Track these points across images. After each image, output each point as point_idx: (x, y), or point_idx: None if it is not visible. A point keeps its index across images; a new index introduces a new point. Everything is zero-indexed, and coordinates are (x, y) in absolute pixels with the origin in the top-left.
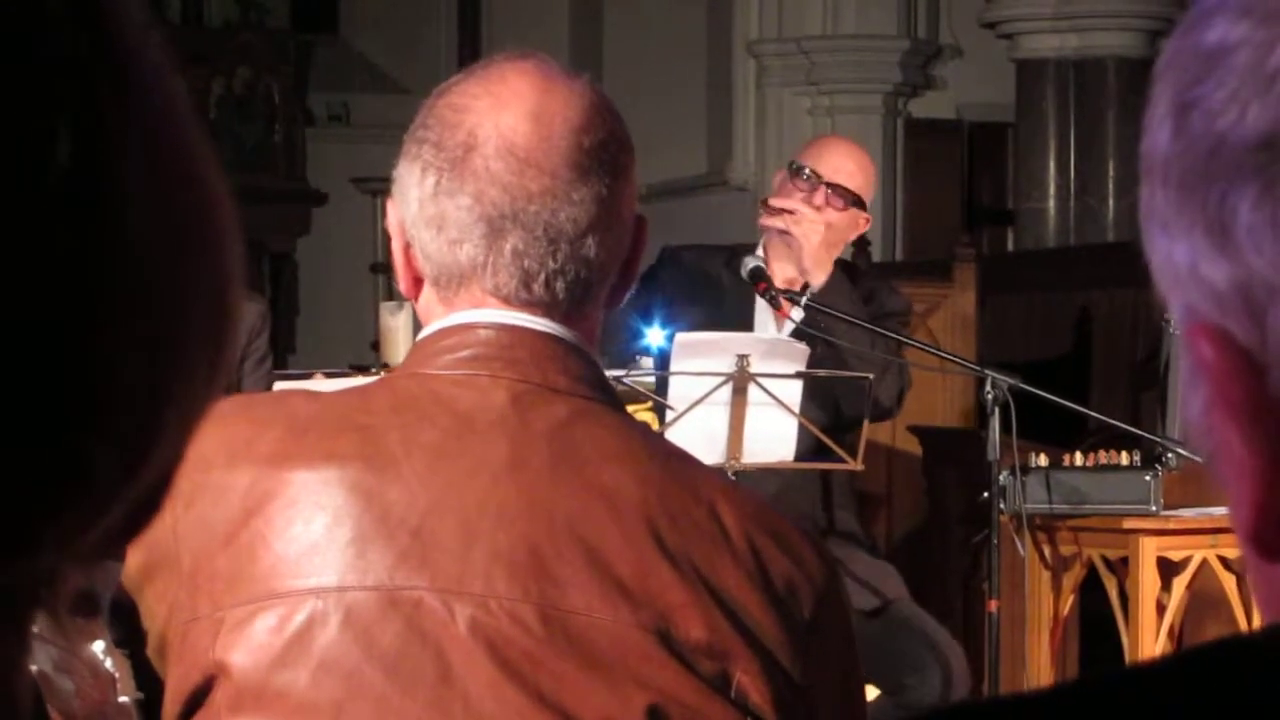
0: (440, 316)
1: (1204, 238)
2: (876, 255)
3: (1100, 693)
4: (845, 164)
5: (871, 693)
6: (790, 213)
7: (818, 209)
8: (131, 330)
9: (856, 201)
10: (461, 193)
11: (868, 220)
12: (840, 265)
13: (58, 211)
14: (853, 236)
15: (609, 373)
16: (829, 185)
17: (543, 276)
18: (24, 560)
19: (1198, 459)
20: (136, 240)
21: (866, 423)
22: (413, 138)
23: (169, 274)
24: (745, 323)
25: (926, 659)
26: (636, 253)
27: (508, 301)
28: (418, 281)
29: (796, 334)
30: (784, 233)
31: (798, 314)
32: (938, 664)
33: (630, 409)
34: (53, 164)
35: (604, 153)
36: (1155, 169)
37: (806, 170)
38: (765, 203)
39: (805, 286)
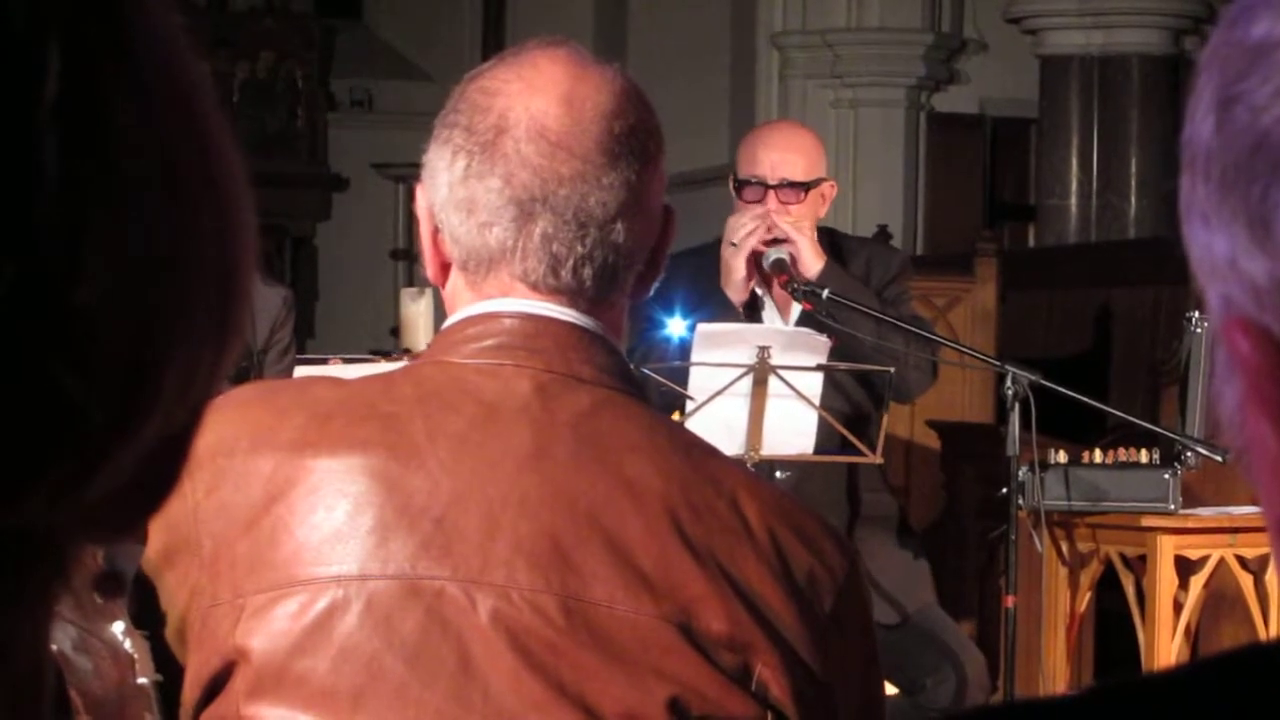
0: (468, 302)
1: (1245, 232)
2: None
3: (1117, 702)
4: (782, 156)
5: (889, 690)
6: (767, 225)
7: (776, 212)
8: (115, 264)
9: (811, 184)
10: (492, 175)
11: (832, 186)
12: (826, 236)
13: (46, 138)
14: (824, 210)
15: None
16: (776, 186)
17: (571, 262)
18: (13, 504)
19: (1217, 457)
20: (128, 175)
21: (886, 415)
22: (443, 122)
23: (162, 211)
24: (752, 313)
25: (945, 668)
26: (664, 242)
27: (535, 288)
28: (445, 267)
29: (804, 322)
30: (781, 241)
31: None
32: (954, 673)
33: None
34: (42, 90)
35: (634, 139)
36: (1197, 161)
37: (752, 180)
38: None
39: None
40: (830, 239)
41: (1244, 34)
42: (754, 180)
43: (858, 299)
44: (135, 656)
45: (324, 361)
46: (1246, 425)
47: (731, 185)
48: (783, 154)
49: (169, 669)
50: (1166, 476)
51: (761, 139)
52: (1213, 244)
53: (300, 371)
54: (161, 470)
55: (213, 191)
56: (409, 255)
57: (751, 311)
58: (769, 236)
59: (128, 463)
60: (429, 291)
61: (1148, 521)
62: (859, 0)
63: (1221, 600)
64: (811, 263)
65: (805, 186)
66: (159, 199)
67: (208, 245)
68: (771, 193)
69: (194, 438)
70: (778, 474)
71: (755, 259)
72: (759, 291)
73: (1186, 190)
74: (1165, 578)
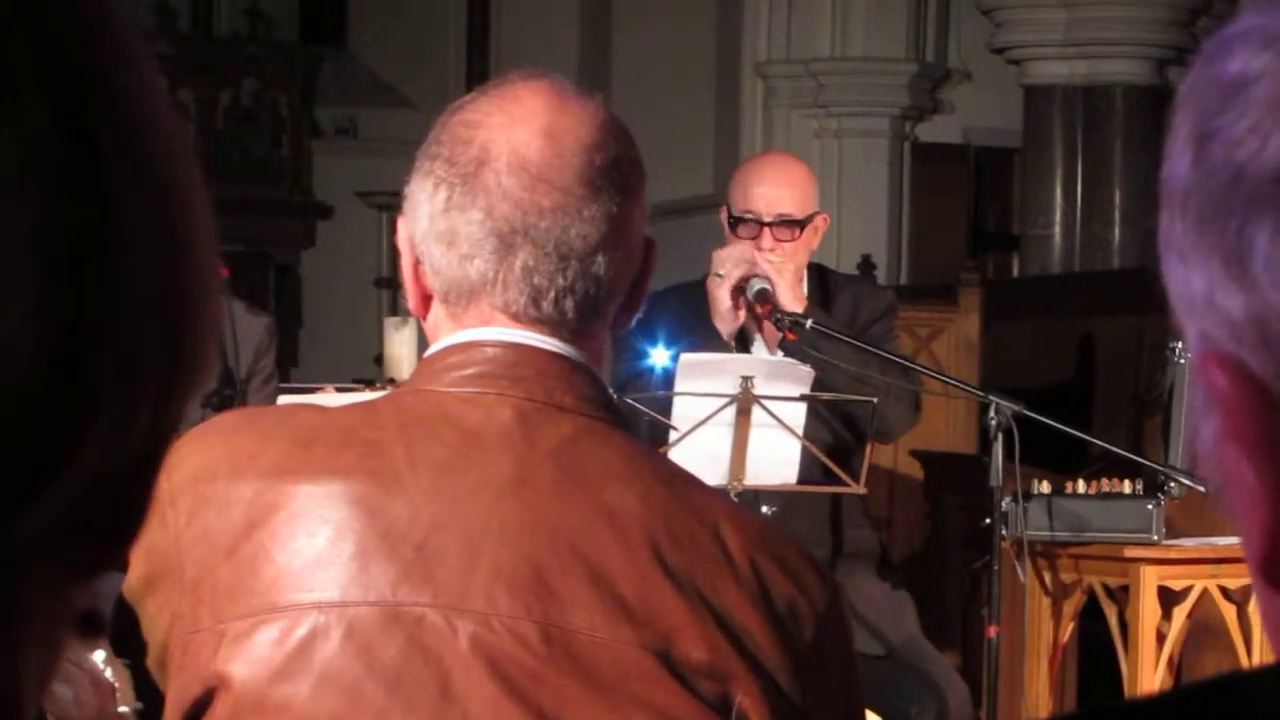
0: (448, 334)
1: (1221, 268)
2: (882, 278)
3: None
4: (777, 191)
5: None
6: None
7: (771, 250)
8: (36, 290)
9: (806, 220)
10: (473, 208)
11: (825, 219)
12: (815, 272)
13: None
14: (817, 242)
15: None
16: (772, 223)
17: (552, 294)
18: None
19: (1200, 488)
20: (54, 202)
21: (870, 446)
22: (425, 154)
23: (92, 237)
24: (741, 349)
25: (927, 698)
26: (646, 274)
27: (517, 319)
28: (426, 299)
29: (787, 353)
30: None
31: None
32: (937, 703)
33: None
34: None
35: (615, 171)
36: (1174, 198)
37: (747, 217)
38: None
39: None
40: (820, 275)
41: (1220, 70)
42: (749, 217)
43: (840, 334)
44: (116, 685)
45: (317, 390)
46: (1224, 460)
47: (725, 221)
48: (778, 189)
49: (150, 697)
50: (1150, 507)
51: (755, 174)
52: (1190, 280)
53: (285, 400)
54: (126, 502)
55: (158, 219)
56: (393, 284)
57: (741, 347)
58: (753, 274)
59: (73, 491)
60: (412, 321)
61: (1131, 552)
62: (843, 30)
63: (1205, 631)
64: (790, 306)
65: (801, 223)
66: (90, 226)
67: (151, 272)
68: (767, 230)
69: (157, 471)
70: (763, 509)
71: (740, 289)
72: (747, 328)
73: (1165, 227)
74: (1148, 608)
